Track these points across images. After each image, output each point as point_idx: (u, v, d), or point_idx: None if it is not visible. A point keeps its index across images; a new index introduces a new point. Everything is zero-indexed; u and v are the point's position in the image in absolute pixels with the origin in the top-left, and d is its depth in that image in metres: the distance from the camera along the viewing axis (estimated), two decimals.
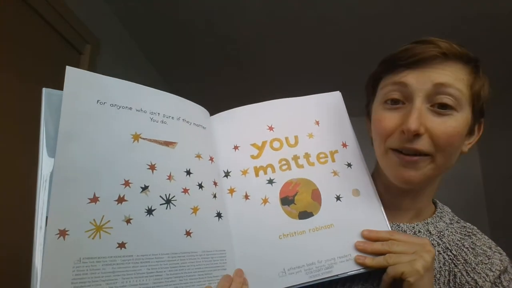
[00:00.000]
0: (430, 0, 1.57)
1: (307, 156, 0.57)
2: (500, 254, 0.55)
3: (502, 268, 0.53)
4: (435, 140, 0.49)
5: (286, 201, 0.54)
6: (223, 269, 0.48)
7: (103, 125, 0.44)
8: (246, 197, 0.54)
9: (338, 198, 0.55)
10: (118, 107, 0.46)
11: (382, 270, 0.49)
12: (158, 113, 0.49)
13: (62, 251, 0.37)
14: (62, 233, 0.38)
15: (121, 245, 0.41)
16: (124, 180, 0.44)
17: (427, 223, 0.57)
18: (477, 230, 0.58)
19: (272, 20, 1.78)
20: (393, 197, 0.57)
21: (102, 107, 0.45)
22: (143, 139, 0.47)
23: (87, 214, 0.40)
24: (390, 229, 0.54)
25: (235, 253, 0.51)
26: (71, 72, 0.44)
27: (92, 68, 1.48)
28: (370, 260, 0.49)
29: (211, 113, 0.59)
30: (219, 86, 2.58)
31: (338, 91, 0.63)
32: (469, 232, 0.57)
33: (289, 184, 0.55)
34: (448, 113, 0.49)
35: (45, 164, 0.40)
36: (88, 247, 0.39)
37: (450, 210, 0.61)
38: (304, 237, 0.52)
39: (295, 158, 0.56)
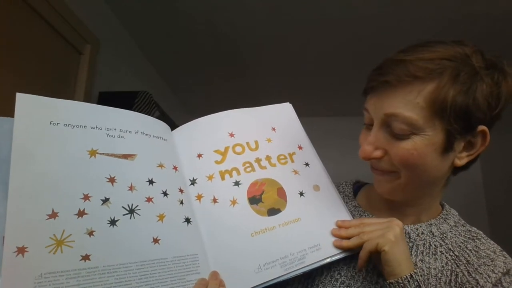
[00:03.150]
0: (430, 0, 1.58)
1: (268, 158, 0.60)
2: (505, 257, 0.55)
3: (505, 270, 0.53)
4: (393, 161, 0.51)
5: (254, 200, 0.55)
6: (196, 273, 0.48)
7: (57, 143, 0.45)
8: (215, 200, 0.54)
9: (301, 194, 0.58)
10: (72, 126, 0.47)
11: (356, 257, 0.53)
12: (115, 129, 0.51)
13: (21, 269, 0.37)
14: (21, 250, 0.38)
15: (85, 257, 0.41)
16: (83, 194, 0.44)
17: (430, 224, 0.58)
18: (483, 235, 0.59)
19: (272, 20, 1.79)
20: (396, 204, 0.59)
21: (56, 127, 0.46)
22: (100, 154, 0.48)
23: (46, 230, 0.40)
24: (350, 217, 0.58)
25: (209, 256, 0.50)
26: (21, 98, 0.45)
27: (92, 68, 1.48)
28: (346, 242, 0.53)
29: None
30: (219, 86, 2.56)
31: (288, 103, 0.70)
32: (474, 236, 0.58)
33: (255, 184, 0.57)
34: (405, 137, 0.49)
35: None
36: (50, 262, 0.39)
37: (457, 213, 0.62)
38: (275, 232, 0.53)
39: (258, 160, 0.59)
